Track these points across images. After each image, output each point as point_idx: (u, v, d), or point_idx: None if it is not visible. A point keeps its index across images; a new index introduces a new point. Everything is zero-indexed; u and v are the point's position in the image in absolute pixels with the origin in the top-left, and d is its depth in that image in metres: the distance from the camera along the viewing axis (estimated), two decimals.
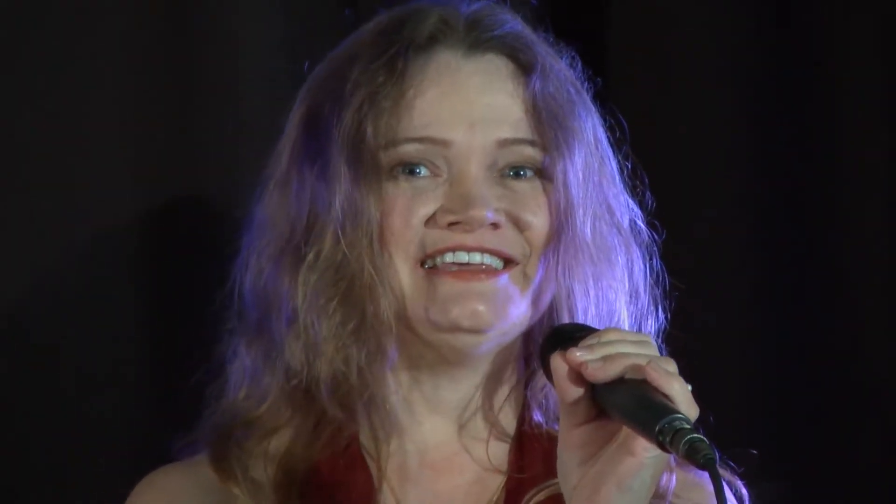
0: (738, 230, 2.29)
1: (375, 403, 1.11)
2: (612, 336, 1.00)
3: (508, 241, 1.09)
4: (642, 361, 0.95)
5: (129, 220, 1.60)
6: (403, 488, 1.13)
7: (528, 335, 1.13)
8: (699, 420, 0.95)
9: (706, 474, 1.14)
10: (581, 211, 1.11)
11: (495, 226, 1.08)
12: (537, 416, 1.13)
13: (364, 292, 1.09)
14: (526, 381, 1.14)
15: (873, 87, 2.20)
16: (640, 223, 1.17)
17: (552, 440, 1.05)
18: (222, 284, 1.18)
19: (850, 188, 2.38)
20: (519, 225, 1.10)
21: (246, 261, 1.15)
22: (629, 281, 1.14)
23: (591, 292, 1.12)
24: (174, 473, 1.16)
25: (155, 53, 1.61)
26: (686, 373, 0.97)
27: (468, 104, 1.10)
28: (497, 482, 1.13)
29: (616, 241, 1.14)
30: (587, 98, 1.16)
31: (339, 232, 1.08)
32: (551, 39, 1.17)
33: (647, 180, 1.18)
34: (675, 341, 1.17)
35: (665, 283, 1.18)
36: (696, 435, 0.89)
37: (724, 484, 1.14)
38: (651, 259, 1.17)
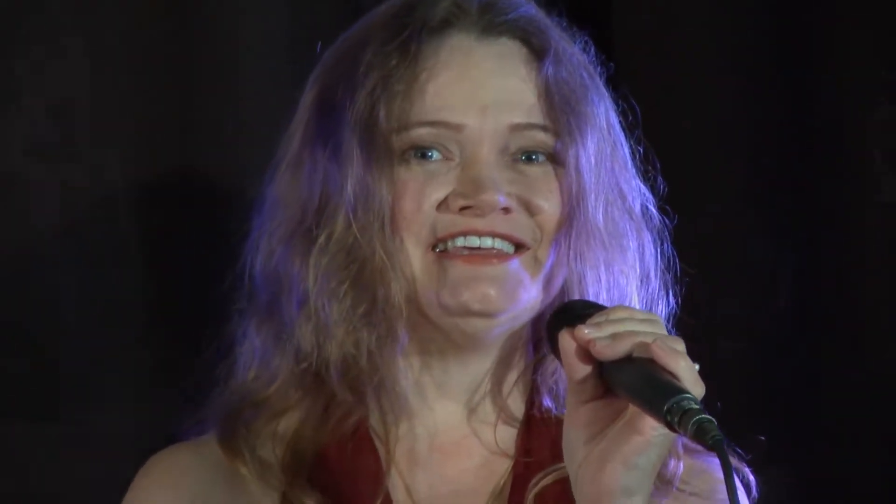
0: (742, 220, 2.30)
1: (385, 387, 1.11)
2: (620, 314, 1.00)
3: (520, 225, 1.09)
4: (649, 339, 0.95)
5: (135, 205, 1.60)
6: (412, 472, 1.13)
7: (538, 320, 1.13)
8: (707, 405, 0.95)
9: (713, 462, 1.14)
10: (593, 196, 1.11)
11: (507, 210, 1.08)
12: (547, 401, 1.13)
13: (375, 276, 1.09)
14: (536, 366, 1.15)
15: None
16: (652, 208, 1.17)
17: (561, 425, 1.05)
18: (231, 266, 1.18)
19: (853, 176, 2.38)
20: (530, 210, 1.10)
21: (256, 242, 1.15)
22: (640, 265, 1.14)
23: (603, 277, 1.12)
24: (182, 453, 1.16)
25: (155, 53, 1.61)
26: (697, 359, 0.97)
27: (481, 88, 1.10)
28: (505, 466, 1.13)
29: (628, 226, 1.14)
30: (600, 83, 1.16)
31: (351, 215, 1.08)
32: (564, 24, 1.17)
33: (658, 165, 1.18)
34: (684, 326, 1.17)
35: (676, 268, 1.18)
36: (704, 416, 0.89)
37: (733, 470, 1.14)
38: (662, 244, 1.17)
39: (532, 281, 1.10)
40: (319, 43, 1.21)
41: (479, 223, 1.08)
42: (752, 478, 1.15)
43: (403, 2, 1.14)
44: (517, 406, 1.15)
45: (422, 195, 1.08)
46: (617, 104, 1.17)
